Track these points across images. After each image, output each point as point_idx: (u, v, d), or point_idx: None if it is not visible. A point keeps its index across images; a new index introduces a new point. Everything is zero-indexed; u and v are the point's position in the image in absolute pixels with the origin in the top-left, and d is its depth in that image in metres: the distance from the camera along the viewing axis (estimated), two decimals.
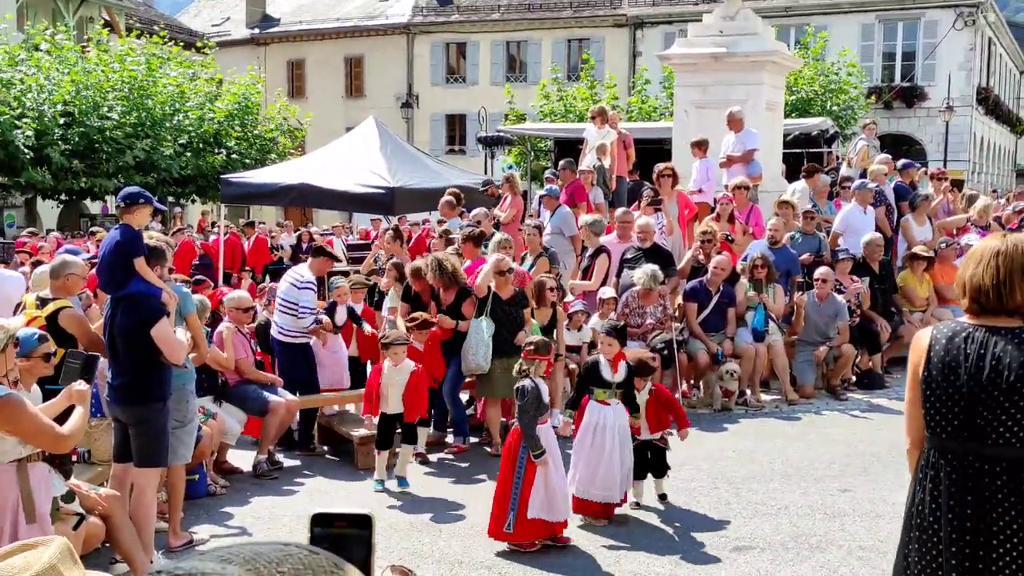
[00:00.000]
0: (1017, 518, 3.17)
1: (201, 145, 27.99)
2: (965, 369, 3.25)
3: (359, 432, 8.69)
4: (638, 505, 7.25)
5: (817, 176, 13.04)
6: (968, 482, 3.24)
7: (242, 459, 8.53)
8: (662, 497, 7.38)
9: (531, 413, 6.29)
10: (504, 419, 9.08)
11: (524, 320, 9.02)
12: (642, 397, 7.22)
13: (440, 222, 13.76)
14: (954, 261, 12.12)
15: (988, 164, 46.57)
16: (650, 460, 7.32)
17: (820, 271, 10.80)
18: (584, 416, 6.97)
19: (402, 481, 7.80)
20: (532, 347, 6.59)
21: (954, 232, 12.81)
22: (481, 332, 8.76)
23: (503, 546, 6.49)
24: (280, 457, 8.71)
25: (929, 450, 3.36)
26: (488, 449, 8.86)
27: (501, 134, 25.18)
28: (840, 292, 10.95)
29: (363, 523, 1.20)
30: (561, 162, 13.86)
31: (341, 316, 9.38)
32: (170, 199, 27.87)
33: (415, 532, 6.80)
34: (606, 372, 6.97)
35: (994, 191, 23.63)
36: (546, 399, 6.54)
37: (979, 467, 3.23)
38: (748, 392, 10.43)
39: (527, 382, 6.36)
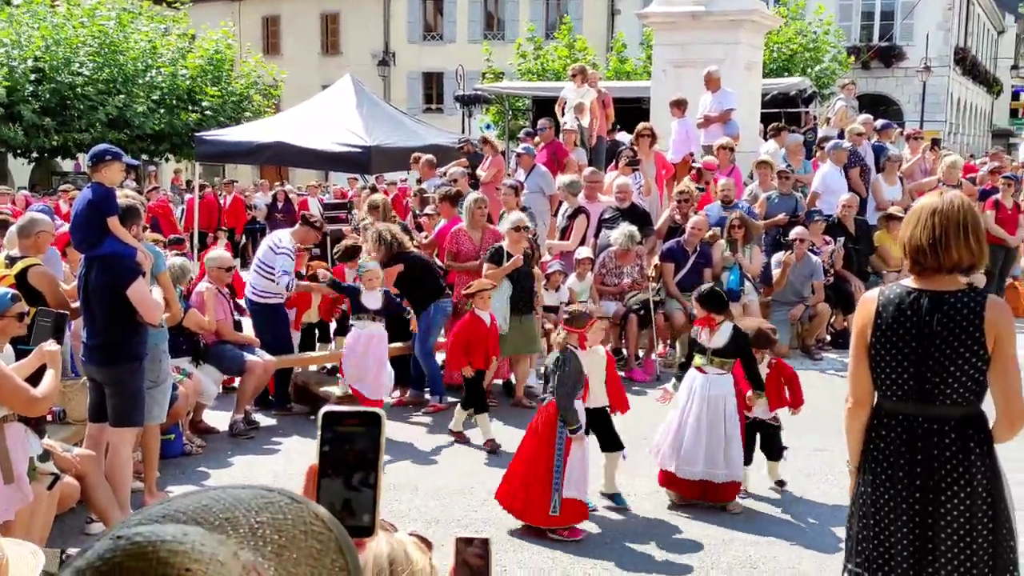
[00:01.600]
0: (964, 474, 3.34)
1: (174, 102, 27.65)
2: (912, 335, 3.36)
3: (335, 391, 8.72)
4: (746, 493, 6.64)
5: (784, 135, 13.01)
6: (918, 441, 3.39)
7: (219, 419, 8.52)
8: (779, 484, 6.83)
9: (569, 386, 5.91)
10: (502, 379, 9.28)
11: (535, 277, 9.11)
12: (760, 370, 6.56)
13: (418, 181, 13.69)
14: None
15: (965, 125, 46.75)
16: (762, 441, 6.74)
17: (795, 231, 10.84)
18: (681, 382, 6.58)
19: (618, 498, 6.61)
20: (570, 318, 6.18)
21: (927, 192, 12.86)
22: (500, 292, 8.78)
23: (481, 505, 6.53)
24: (257, 417, 8.70)
25: (880, 410, 3.50)
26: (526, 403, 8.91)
27: (479, 93, 25.00)
28: (815, 253, 11.00)
29: (373, 421, 1.19)
30: (540, 121, 13.79)
31: (374, 302, 8.40)
32: (144, 157, 27.57)
33: (392, 491, 6.82)
34: (703, 336, 6.40)
35: (971, 156, 23.69)
36: (586, 374, 6.11)
37: (928, 427, 3.38)
38: None
39: (567, 354, 5.99)
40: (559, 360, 6.00)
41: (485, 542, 1.45)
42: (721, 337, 6.35)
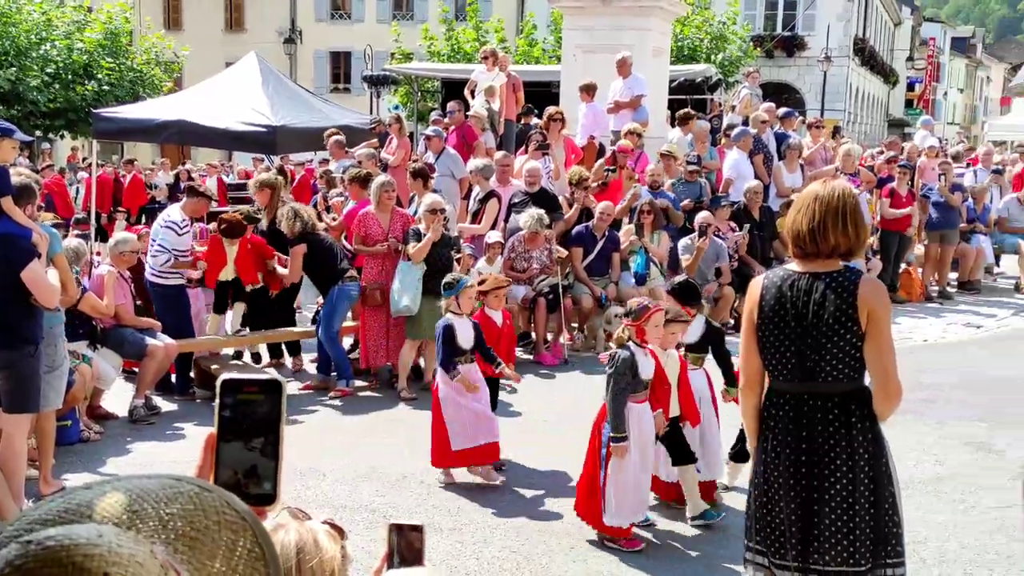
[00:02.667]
0: (847, 448, 3.49)
1: (70, 76, 26.70)
2: (792, 315, 3.50)
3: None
4: (727, 488, 6.37)
5: (692, 122, 13.19)
6: (803, 418, 3.54)
7: (118, 404, 8.30)
8: (725, 488, 6.41)
9: (621, 386, 5.34)
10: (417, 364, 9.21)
11: (452, 261, 9.07)
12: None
13: (323, 162, 13.49)
14: None
15: (863, 113, 48.09)
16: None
17: (701, 216, 11.01)
18: None
19: (708, 514, 5.95)
20: (628, 309, 5.58)
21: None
22: (413, 274, 8.69)
23: (389, 490, 6.50)
24: (158, 402, 8.50)
25: (770, 391, 3.64)
26: (401, 393, 8.81)
27: (387, 73, 24.77)
28: (721, 238, 11.19)
29: (273, 388, 1.15)
30: (449, 104, 13.72)
31: (467, 334, 6.62)
32: (38, 133, 26.58)
33: (299, 476, 6.73)
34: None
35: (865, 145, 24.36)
36: (647, 375, 5.47)
37: (812, 404, 3.53)
38: None
39: (622, 351, 5.41)
40: (611, 357, 5.49)
41: (418, 528, 1.43)
42: (694, 332, 6.11)
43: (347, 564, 1.50)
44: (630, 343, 5.43)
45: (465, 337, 6.56)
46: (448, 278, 6.84)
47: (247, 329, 9.27)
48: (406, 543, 1.51)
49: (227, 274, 8.96)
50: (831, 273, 3.51)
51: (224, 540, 0.94)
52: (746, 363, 3.70)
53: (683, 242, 11.04)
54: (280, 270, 9.15)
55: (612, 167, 11.79)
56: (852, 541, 3.52)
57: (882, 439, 3.64)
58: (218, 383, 1.15)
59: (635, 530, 5.66)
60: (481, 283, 7.05)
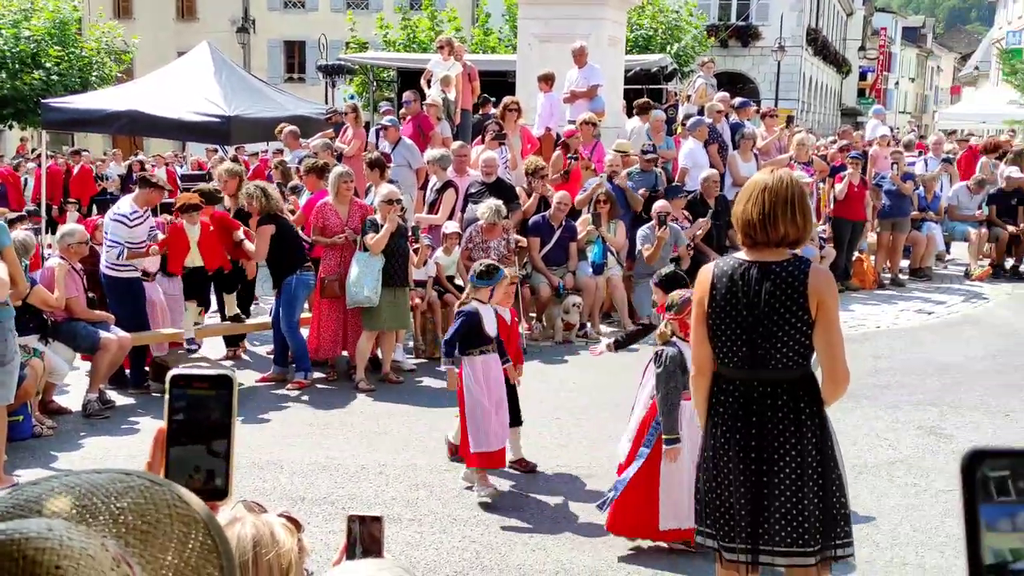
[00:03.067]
0: (796, 433, 3.58)
1: (17, 66, 26.18)
2: (743, 304, 3.56)
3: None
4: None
5: (651, 112, 13.24)
6: (753, 404, 3.60)
7: (71, 399, 8.18)
8: None
9: (673, 384, 5.06)
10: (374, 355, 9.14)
11: (408, 251, 9.04)
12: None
13: (277, 152, 13.37)
14: None
15: (816, 103, 48.60)
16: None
17: (658, 204, 11.06)
18: None
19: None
20: (670, 304, 5.33)
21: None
22: (372, 265, 8.64)
23: (348, 481, 6.47)
24: (112, 396, 8.39)
25: (719, 377, 3.69)
26: (359, 384, 8.77)
27: (343, 63, 24.57)
28: (681, 228, 11.27)
29: (223, 384, 1.14)
30: (406, 94, 13.65)
31: (491, 322, 6.34)
32: None
33: (256, 469, 6.69)
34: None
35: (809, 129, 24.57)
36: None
37: (762, 391, 3.60)
38: (589, 325, 10.64)
39: (669, 348, 5.15)
40: (657, 356, 5.21)
41: (378, 519, 1.42)
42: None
43: (303, 557, 1.50)
44: (675, 338, 5.18)
45: (491, 324, 6.27)
46: (481, 267, 6.40)
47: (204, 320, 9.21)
48: (368, 534, 1.51)
49: (192, 260, 8.91)
50: (781, 262, 3.58)
51: (176, 533, 0.93)
52: (697, 351, 3.75)
53: (642, 232, 11.07)
54: (248, 244, 9.06)
55: (574, 155, 11.82)
56: (801, 523, 3.60)
57: (828, 423, 3.71)
58: (167, 378, 1.14)
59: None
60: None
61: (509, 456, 6.49)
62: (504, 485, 6.47)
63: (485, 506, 6.11)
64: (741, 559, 3.71)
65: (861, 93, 60.25)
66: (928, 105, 75.76)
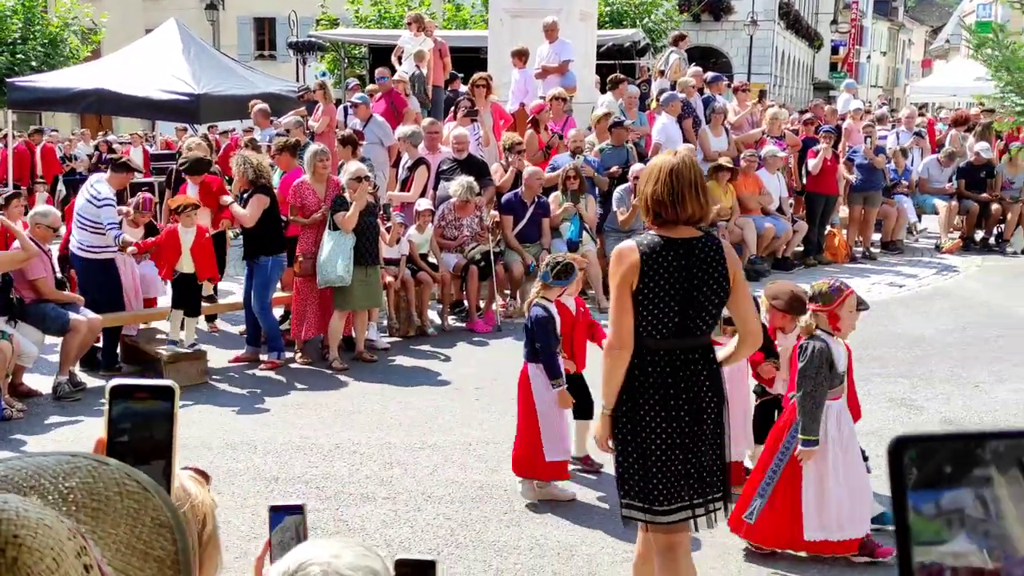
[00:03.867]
0: (713, 389, 3.89)
1: None
2: (676, 278, 3.80)
3: (166, 351, 8.42)
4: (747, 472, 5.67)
5: (623, 87, 13.20)
6: (679, 371, 3.85)
7: (42, 381, 8.11)
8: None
9: (819, 381, 4.76)
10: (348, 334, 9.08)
11: (378, 229, 9.00)
12: (789, 340, 5.54)
13: (247, 131, 13.25)
14: (755, 172, 12.66)
15: (789, 78, 48.69)
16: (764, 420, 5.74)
17: (635, 167, 11.08)
18: None
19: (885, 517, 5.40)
20: (815, 293, 4.97)
21: (754, 144, 13.31)
22: (343, 243, 8.59)
23: (322, 461, 6.46)
24: (83, 378, 8.32)
25: (643, 350, 3.85)
26: (332, 363, 8.73)
27: (313, 39, 24.36)
28: None
29: (165, 394, 1.12)
30: (379, 71, 13.55)
31: (557, 324, 5.95)
32: None
33: (230, 449, 6.66)
34: None
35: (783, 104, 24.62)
36: (843, 367, 4.90)
37: (685, 357, 3.87)
38: None
39: (814, 341, 4.82)
40: (802, 350, 4.87)
41: (300, 508, 1.41)
42: None
43: (213, 508, 1.50)
44: (820, 331, 4.85)
45: (557, 325, 5.88)
46: (557, 266, 5.90)
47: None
48: (288, 524, 1.52)
49: (184, 265, 8.43)
50: (700, 239, 3.87)
51: (126, 510, 0.94)
52: (620, 325, 3.84)
53: (617, 193, 11.07)
54: (237, 209, 8.76)
55: (559, 133, 11.79)
56: (719, 467, 3.94)
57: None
58: (107, 389, 1.12)
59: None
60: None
61: (574, 452, 6.16)
62: (479, 463, 6.48)
63: (459, 484, 6.12)
64: (689, 515, 3.90)
65: (833, 67, 60.38)
66: (900, 78, 76.08)
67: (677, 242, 3.82)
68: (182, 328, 8.50)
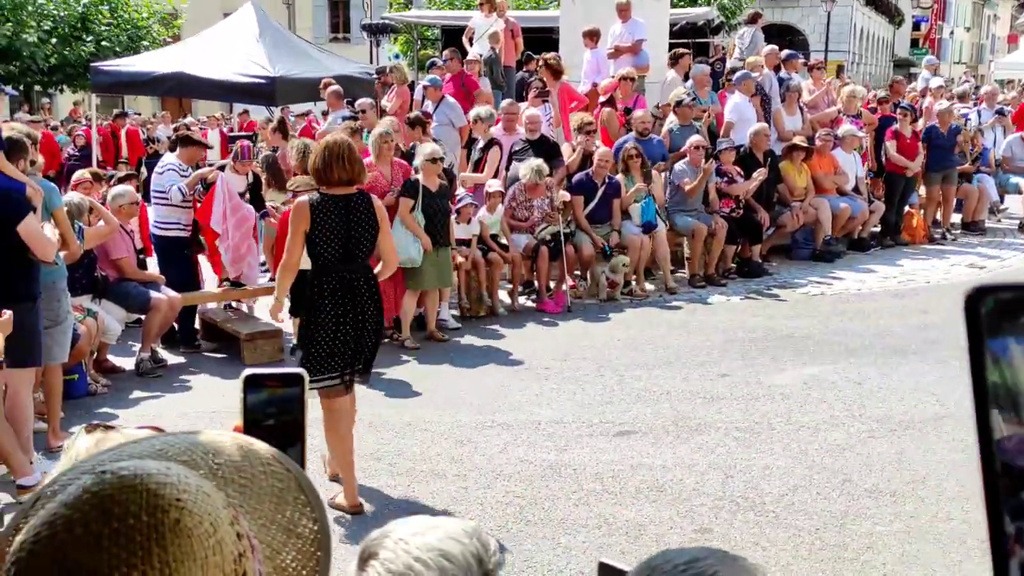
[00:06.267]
0: (372, 297, 5.53)
1: (67, 30, 26.47)
2: (339, 222, 5.41)
3: (245, 329, 8.61)
4: None
5: (684, 61, 13.00)
6: (348, 284, 5.46)
7: (125, 358, 8.36)
8: None
9: None
10: (420, 308, 9.19)
11: (450, 210, 9.07)
12: None
13: (324, 113, 13.41)
14: (831, 151, 12.44)
15: (867, 55, 47.59)
16: None
17: (692, 139, 11.00)
18: None
19: None
20: None
21: (830, 123, 13.07)
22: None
23: (381, 438, 6.55)
24: (164, 355, 8.56)
25: (319, 271, 5.45)
26: (404, 343, 8.86)
27: (387, 22, 24.53)
28: (732, 182, 11.18)
29: (295, 381, 1.17)
30: (446, 52, 13.59)
31: None
32: (37, 88, 26.44)
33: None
34: None
35: (866, 83, 24.07)
36: None
37: (351, 276, 5.48)
38: (633, 282, 10.61)
39: None
40: None
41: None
42: None
43: None
44: None
45: None
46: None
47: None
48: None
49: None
50: (355, 195, 5.49)
51: (271, 488, 1.00)
52: (291, 254, 5.47)
53: (679, 166, 11.02)
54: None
55: (631, 108, 11.75)
56: (371, 353, 5.65)
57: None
58: (241, 379, 1.17)
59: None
60: None
61: None
62: (546, 441, 6.52)
63: (528, 463, 6.17)
64: (347, 380, 5.55)
65: (914, 43, 58.85)
66: (984, 55, 73.85)
67: (337, 197, 5.43)
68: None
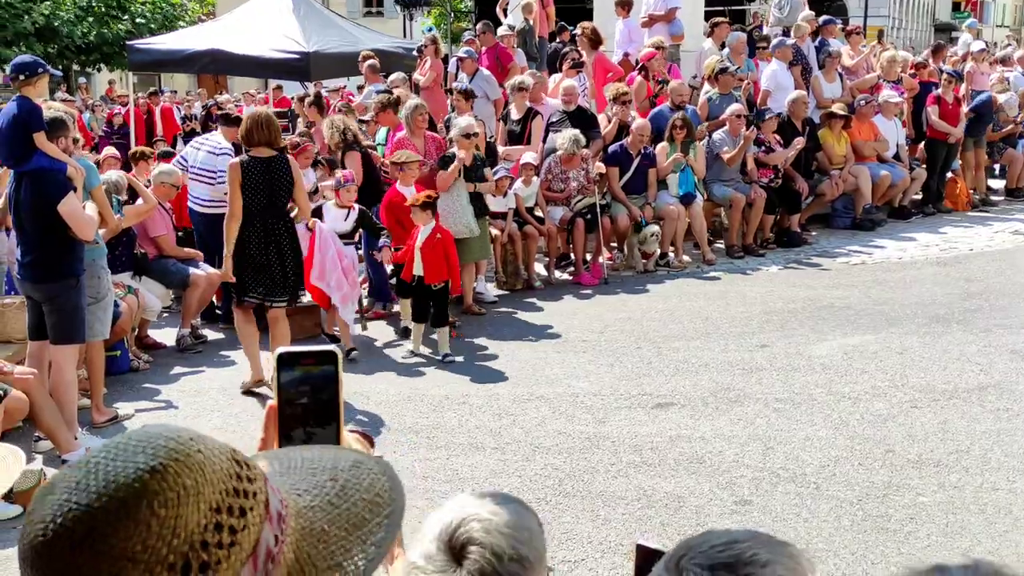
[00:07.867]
0: (290, 238, 6.89)
1: (103, 9, 26.63)
2: (264, 178, 6.67)
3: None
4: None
5: (721, 30, 12.82)
6: (268, 228, 6.73)
7: (165, 334, 8.44)
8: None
9: None
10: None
11: (487, 180, 9.11)
12: None
13: (359, 87, 13.38)
14: (872, 118, 12.24)
15: (907, 19, 46.74)
16: None
17: (731, 108, 10.86)
18: None
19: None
20: None
21: (869, 89, 12.85)
22: (461, 196, 8.75)
23: (432, 412, 6.57)
24: (204, 331, 8.63)
25: (249, 218, 6.69)
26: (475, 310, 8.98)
27: None
28: (770, 151, 11.04)
29: (329, 359, 1.17)
30: (479, 24, 13.51)
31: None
32: (75, 68, 26.66)
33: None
34: None
35: (910, 46, 23.63)
36: None
37: (272, 220, 6.75)
38: (671, 253, 10.53)
39: None
40: None
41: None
42: None
43: None
44: None
45: None
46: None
47: None
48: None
49: (416, 267, 7.85)
50: (275, 157, 6.76)
51: (359, 515, 1.06)
52: (234, 206, 6.68)
53: (718, 135, 10.90)
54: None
55: (663, 80, 11.63)
56: (293, 286, 6.99)
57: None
58: (274, 357, 1.16)
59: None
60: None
61: None
62: (584, 414, 6.51)
63: (566, 435, 6.17)
64: (259, 299, 6.87)
65: (956, 7, 57.70)
66: None
67: (260, 159, 6.69)
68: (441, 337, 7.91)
